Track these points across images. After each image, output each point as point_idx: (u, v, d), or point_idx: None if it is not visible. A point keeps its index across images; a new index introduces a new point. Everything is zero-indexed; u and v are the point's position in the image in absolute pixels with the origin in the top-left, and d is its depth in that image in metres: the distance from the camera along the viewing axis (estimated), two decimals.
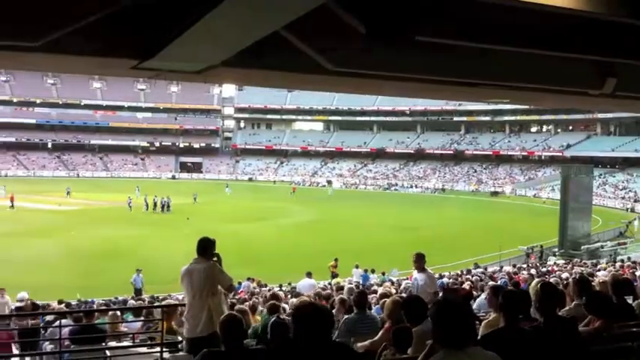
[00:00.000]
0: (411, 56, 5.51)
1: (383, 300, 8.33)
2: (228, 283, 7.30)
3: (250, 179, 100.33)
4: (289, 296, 15.59)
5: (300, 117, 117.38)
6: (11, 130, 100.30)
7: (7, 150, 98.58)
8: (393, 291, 12.44)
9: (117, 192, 64.42)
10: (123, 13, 4.74)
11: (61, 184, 72.15)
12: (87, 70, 16.71)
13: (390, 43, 4.70)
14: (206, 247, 7.17)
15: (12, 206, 49.73)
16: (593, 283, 8.32)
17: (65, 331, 7.37)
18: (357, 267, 25.65)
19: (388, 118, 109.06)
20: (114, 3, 4.61)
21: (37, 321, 10.34)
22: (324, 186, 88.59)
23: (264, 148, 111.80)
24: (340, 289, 14.18)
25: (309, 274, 21.39)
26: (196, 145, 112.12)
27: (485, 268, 25.70)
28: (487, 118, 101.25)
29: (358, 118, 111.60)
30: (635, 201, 63.50)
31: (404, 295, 9.66)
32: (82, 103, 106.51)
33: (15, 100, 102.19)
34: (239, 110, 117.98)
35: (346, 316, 7.67)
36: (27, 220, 43.20)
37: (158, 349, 6.45)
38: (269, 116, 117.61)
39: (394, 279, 21.75)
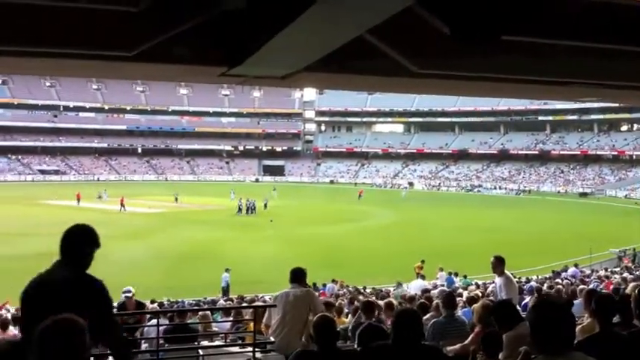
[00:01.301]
0: (497, 56, 5.39)
1: (473, 304, 8.17)
2: (321, 311, 7.52)
3: (332, 182, 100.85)
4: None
5: (380, 119, 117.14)
6: (103, 136, 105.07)
7: (100, 155, 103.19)
8: (480, 294, 12.19)
9: (207, 195, 66.61)
10: (212, 21, 4.87)
11: (153, 188, 75.06)
12: (178, 77, 17.27)
13: (475, 43, 4.60)
14: (300, 276, 7.64)
15: (122, 209, 52.50)
16: None
17: (160, 330, 7.63)
18: (441, 270, 25.30)
19: (470, 119, 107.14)
20: (204, 12, 4.74)
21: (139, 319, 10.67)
22: (406, 188, 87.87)
23: (344, 150, 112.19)
24: (426, 291, 14.02)
25: (422, 277, 22.54)
26: (278, 149, 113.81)
27: (581, 271, 24.86)
28: (574, 117, 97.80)
29: (439, 119, 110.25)
30: None
31: (491, 298, 9.41)
32: (170, 109, 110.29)
33: (106, 107, 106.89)
34: (320, 113, 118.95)
35: (434, 319, 7.58)
36: (123, 223, 44.93)
37: (249, 348, 6.58)
38: (349, 119, 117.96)
39: (480, 282, 21.28)
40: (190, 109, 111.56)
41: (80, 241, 4.02)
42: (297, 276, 7.60)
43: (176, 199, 60.08)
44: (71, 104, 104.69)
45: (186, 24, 4.78)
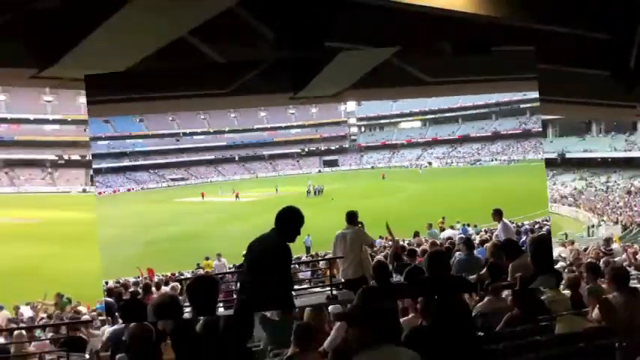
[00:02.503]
0: (487, 63, 5.26)
1: (485, 244, 8.04)
2: (370, 241, 7.56)
3: (372, 167, 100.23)
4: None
5: (403, 119, 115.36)
6: (212, 151, 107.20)
7: (210, 164, 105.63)
8: (488, 237, 11.95)
9: (291, 185, 66.92)
10: (282, 60, 4.95)
11: (251, 183, 76.14)
12: (259, 104, 17.56)
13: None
14: (352, 217, 7.49)
15: (237, 199, 52.70)
16: None
17: None
18: (458, 222, 24.87)
19: (469, 112, 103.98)
20: (276, 53, 4.81)
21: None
22: (426, 166, 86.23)
23: (380, 144, 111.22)
24: (449, 238, 13.84)
25: (444, 229, 21.94)
26: (333, 147, 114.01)
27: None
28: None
29: (446, 115, 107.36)
30: None
31: (497, 239, 9.21)
32: (254, 127, 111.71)
33: (211, 130, 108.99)
34: (360, 119, 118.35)
35: (457, 257, 7.50)
36: (238, 209, 45.37)
37: (327, 288, 6.70)
38: (381, 121, 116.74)
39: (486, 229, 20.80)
40: (269, 125, 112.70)
41: (289, 218, 4.46)
42: (351, 217, 7.51)
43: (276, 190, 60.39)
44: (187, 130, 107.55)
45: (265, 63, 4.86)
